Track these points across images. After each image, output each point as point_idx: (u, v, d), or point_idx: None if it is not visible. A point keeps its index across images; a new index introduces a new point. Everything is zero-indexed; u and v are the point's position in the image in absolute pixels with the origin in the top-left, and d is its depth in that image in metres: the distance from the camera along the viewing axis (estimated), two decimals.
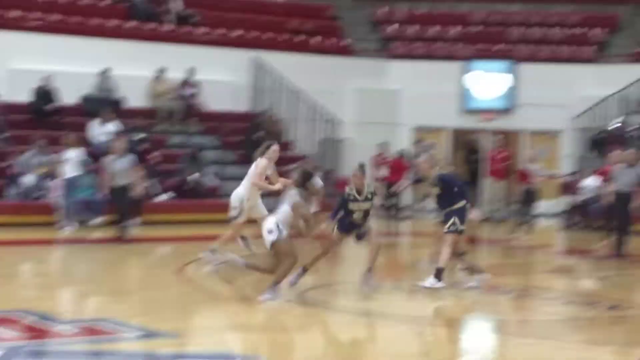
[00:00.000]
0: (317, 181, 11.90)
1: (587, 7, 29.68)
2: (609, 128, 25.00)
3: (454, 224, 12.96)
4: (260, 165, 14.58)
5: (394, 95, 27.51)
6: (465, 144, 27.26)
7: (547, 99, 26.42)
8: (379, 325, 11.28)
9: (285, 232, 12.00)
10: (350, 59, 27.97)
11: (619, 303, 13.08)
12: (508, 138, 26.47)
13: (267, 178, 14.75)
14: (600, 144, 24.85)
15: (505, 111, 27.61)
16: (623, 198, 17.45)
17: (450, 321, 11.98)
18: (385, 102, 27.40)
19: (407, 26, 29.65)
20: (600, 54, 28.48)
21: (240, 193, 14.80)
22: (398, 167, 24.32)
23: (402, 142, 26.47)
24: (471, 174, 25.69)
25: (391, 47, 29.13)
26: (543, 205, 22.84)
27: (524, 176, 21.21)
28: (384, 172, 24.59)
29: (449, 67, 27.45)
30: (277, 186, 14.44)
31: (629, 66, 26.97)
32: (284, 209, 12.13)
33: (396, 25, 29.66)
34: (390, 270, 16.95)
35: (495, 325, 12.02)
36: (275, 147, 14.77)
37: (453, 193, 13.12)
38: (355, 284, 13.19)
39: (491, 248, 20.30)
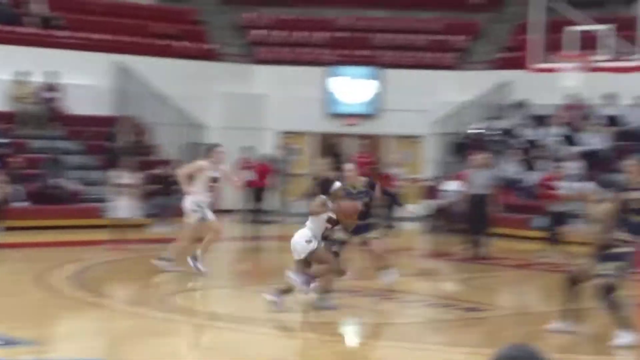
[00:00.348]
0: (337, 185, 12.17)
1: (449, 15, 30.28)
2: (470, 133, 25.54)
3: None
4: (195, 164, 14.70)
5: (260, 99, 27.59)
6: (329, 148, 27.51)
7: (410, 104, 26.85)
8: (239, 331, 11.28)
9: (320, 243, 12.04)
10: (216, 63, 27.95)
11: (477, 305, 13.39)
12: (372, 142, 26.80)
13: (215, 180, 14.86)
14: (462, 148, 25.38)
15: (369, 116, 27.96)
16: (479, 201, 17.86)
17: (311, 325, 12.06)
18: (250, 107, 27.46)
19: (273, 31, 29.75)
20: (461, 60, 29.10)
21: (195, 198, 14.73)
22: (263, 171, 24.40)
23: (268, 146, 26.57)
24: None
25: (257, 51, 29.20)
26: (406, 209, 23.18)
27: (387, 180, 21.50)
28: (250, 176, 24.60)
29: (315, 72, 27.66)
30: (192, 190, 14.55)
31: (489, 72, 27.63)
32: (316, 221, 12.08)
33: (262, 30, 29.72)
34: (253, 274, 17.03)
35: (357, 328, 12.17)
36: (219, 149, 14.85)
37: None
38: (219, 289, 13.18)
39: (355, 251, 20.49)
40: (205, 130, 25.78)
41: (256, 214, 24.35)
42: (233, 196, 24.79)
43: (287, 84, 27.24)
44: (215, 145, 15.23)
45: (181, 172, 15.16)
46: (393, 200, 21.09)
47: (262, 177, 23.85)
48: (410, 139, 27.76)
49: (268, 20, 30.08)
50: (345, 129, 28.00)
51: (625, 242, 10.63)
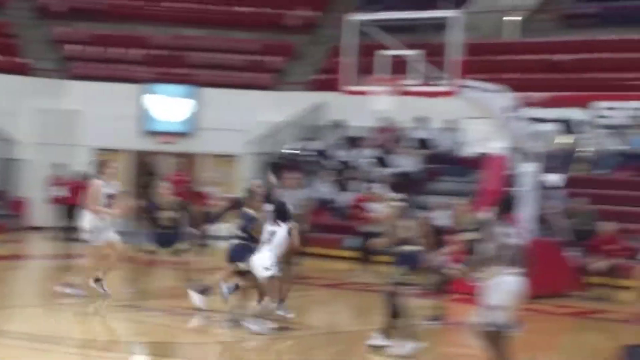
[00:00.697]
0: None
1: (265, 35, 30.54)
2: (285, 153, 25.80)
3: None
4: (94, 186, 14.06)
5: (74, 115, 27.13)
6: (144, 166, 27.29)
7: (226, 123, 26.89)
8: (48, 350, 11.09)
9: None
10: (29, 78, 27.35)
11: (289, 325, 13.52)
12: (188, 161, 26.73)
13: (111, 197, 14.31)
14: (277, 168, 25.56)
15: (185, 134, 27.88)
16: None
17: (122, 344, 11.98)
18: (64, 123, 26.96)
19: (88, 47, 29.31)
20: (277, 81, 29.38)
21: (89, 216, 14.10)
22: (76, 188, 23.95)
23: (82, 163, 26.13)
24: (147, 196, 25.74)
25: (72, 67, 28.71)
26: (220, 228, 23.18)
27: (201, 199, 21.49)
28: (63, 192, 24.18)
29: (130, 89, 27.41)
30: (115, 212, 14.04)
31: (305, 93, 28.01)
32: (278, 241, 12.13)
33: (77, 45, 29.25)
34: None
35: (157, 347, 12.10)
36: (114, 164, 14.35)
37: None
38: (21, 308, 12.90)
39: (166, 270, 20.38)
40: (16, 146, 25.19)
41: (68, 232, 23.90)
42: (45, 213, 24.35)
43: (102, 101, 26.87)
44: (107, 161, 14.83)
45: (91, 201, 14.40)
46: (207, 218, 21.06)
47: (74, 194, 23.42)
48: (226, 158, 27.81)
49: (83, 35, 29.62)
50: (161, 146, 27.82)
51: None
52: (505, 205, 14.58)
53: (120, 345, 11.88)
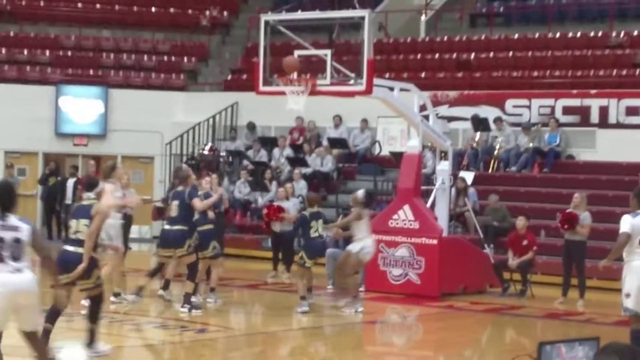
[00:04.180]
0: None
1: (176, 36, 30.40)
2: (200, 154, 25.71)
3: None
4: (108, 191, 13.71)
5: None
6: (56, 169, 26.87)
7: (140, 124, 26.71)
8: None
9: None
10: None
11: (207, 327, 13.54)
12: (103, 163, 26.46)
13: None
14: (193, 169, 25.48)
15: (97, 136, 27.61)
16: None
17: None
18: None
19: None
20: (190, 81, 29.27)
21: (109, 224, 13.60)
22: None
23: None
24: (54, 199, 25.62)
25: None
26: (135, 230, 23.07)
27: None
28: None
29: (41, 91, 27.07)
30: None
31: (218, 94, 27.97)
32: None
33: None
34: None
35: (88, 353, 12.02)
36: (121, 167, 14.27)
37: None
38: None
39: None
40: None
41: None
42: None
43: (13, 103, 26.47)
44: (115, 164, 14.70)
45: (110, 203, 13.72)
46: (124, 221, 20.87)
47: None
48: (140, 160, 27.63)
49: None
50: (74, 148, 27.52)
51: None
52: (368, 200, 15.26)
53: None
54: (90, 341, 10.89)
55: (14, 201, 8.58)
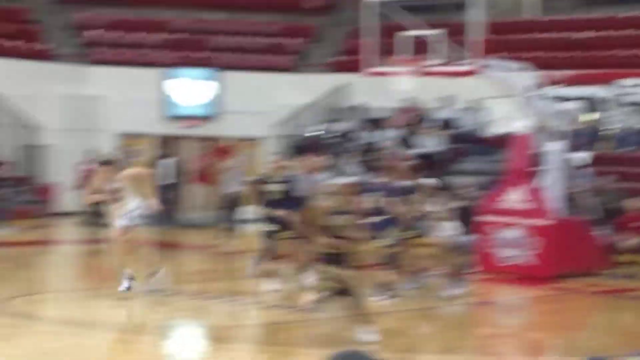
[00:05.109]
0: None
1: (285, 18, 30.49)
2: (308, 135, 25.80)
3: None
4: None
5: (97, 101, 27.19)
6: (168, 151, 27.26)
7: (249, 106, 26.90)
8: (80, 335, 11.15)
9: None
10: (51, 64, 27.40)
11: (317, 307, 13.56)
12: (213, 145, 26.79)
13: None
14: (301, 150, 25.58)
15: (208, 118, 27.91)
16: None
17: (156, 328, 12.04)
18: (87, 108, 27.04)
19: (108, 32, 29.34)
20: (298, 63, 29.34)
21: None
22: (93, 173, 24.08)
23: (106, 148, 26.18)
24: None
25: (93, 52, 28.76)
26: (246, 211, 23.23)
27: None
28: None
29: (152, 74, 27.43)
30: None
31: (325, 75, 27.97)
32: None
33: (97, 31, 29.29)
34: (93, 277, 16.83)
35: (201, 331, 12.19)
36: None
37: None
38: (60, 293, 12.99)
39: (197, 254, 20.51)
40: (41, 132, 25.30)
41: (95, 217, 24.06)
42: (71, 198, 24.50)
43: (124, 86, 26.92)
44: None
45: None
46: (233, 202, 21.10)
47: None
48: (249, 141, 27.83)
49: (103, 20, 29.63)
50: (184, 131, 27.88)
51: None
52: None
53: (154, 329, 11.94)
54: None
55: None
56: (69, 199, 25.16)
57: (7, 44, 27.14)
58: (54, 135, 26.08)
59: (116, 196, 14.07)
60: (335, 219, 10.72)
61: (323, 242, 10.71)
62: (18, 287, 13.37)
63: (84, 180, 22.78)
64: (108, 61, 28.23)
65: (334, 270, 10.66)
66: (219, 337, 11.61)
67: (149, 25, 29.72)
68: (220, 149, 25.66)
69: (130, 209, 13.79)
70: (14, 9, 28.88)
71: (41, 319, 12.26)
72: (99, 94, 27.24)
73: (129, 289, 12.79)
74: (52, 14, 29.43)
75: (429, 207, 14.86)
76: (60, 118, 26.58)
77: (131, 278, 12.98)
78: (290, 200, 14.56)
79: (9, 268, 15.26)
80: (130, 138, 27.25)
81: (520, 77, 18.02)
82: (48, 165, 25.64)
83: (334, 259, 10.64)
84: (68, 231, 24.37)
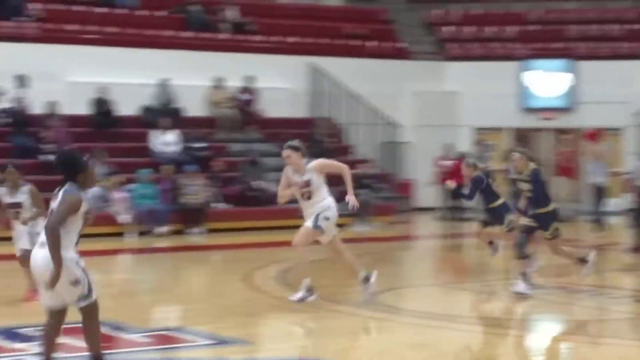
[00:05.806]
0: None
1: (638, 3, 29.37)
2: None
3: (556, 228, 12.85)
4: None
5: (453, 97, 27.36)
6: (522, 144, 26.96)
7: (607, 96, 26.11)
8: (447, 328, 11.12)
9: None
10: (407, 62, 27.85)
11: None
12: (570, 136, 26.28)
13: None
14: None
15: (564, 110, 27.36)
16: None
17: (522, 322, 11.85)
18: (443, 104, 27.27)
19: (462, 27, 29.49)
20: None
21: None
22: (459, 169, 24.14)
23: (462, 143, 26.28)
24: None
25: (447, 48, 28.97)
26: (611, 203, 22.56)
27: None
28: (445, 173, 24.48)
29: (507, 67, 27.28)
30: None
31: None
32: None
33: (452, 27, 29.51)
34: (455, 272, 16.87)
35: (569, 325, 11.84)
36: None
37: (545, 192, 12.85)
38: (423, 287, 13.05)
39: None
40: (399, 129, 25.76)
41: (454, 212, 24.29)
42: (430, 194, 24.86)
43: (480, 80, 26.90)
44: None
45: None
46: (599, 194, 20.48)
47: (459, 175, 23.59)
48: (608, 132, 26.98)
49: (457, 16, 29.83)
50: (540, 123, 27.50)
51: None
52: None
53: (517, 323, 11.74)
54: None
55: (75, 170, 8.14)
56: (427, 195, 25.47)
57: (366, 44, 27.85)
58: (412, 132, 26.49)
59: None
60: None
61: None
62: (382, 281, 13.53)
63: (443, 175, 22.99)
64: (462, 57, 28.35)
65: None
66: (584, 332, 11.23)
67: (501, 19, 29.56)
68: (588, 135, 25.08)
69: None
70: (372, 10, 29.66)
71: (408, 312, 12.37)
72: (455, 89, 27.39)
73: (302, 299, 12.20)
74: (407, 13, 29.95)
75: None
76: (416, 115, 26.97)
77: (309, 289, 12.33)
78: None
79: (371, 263, 15.49)
80: (486, 132, 27.18)
81: None
82: (406, 161, 26.05)
83: None
84: (428, 226, 24.67)
